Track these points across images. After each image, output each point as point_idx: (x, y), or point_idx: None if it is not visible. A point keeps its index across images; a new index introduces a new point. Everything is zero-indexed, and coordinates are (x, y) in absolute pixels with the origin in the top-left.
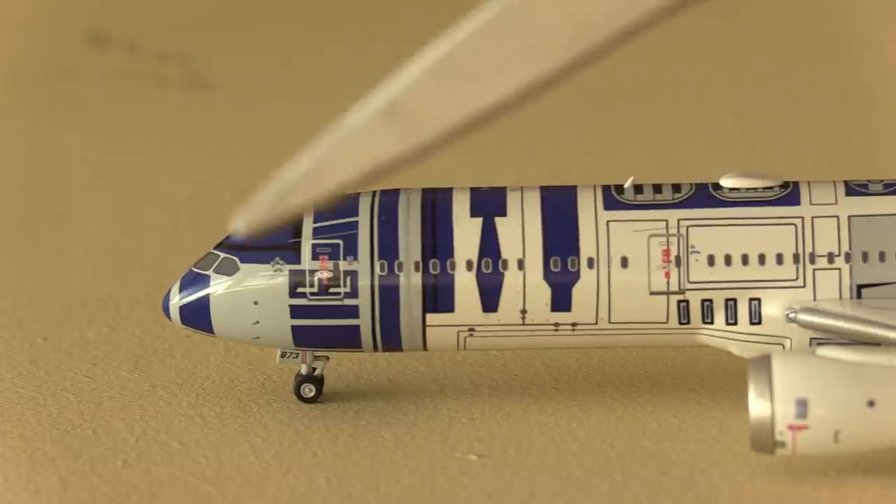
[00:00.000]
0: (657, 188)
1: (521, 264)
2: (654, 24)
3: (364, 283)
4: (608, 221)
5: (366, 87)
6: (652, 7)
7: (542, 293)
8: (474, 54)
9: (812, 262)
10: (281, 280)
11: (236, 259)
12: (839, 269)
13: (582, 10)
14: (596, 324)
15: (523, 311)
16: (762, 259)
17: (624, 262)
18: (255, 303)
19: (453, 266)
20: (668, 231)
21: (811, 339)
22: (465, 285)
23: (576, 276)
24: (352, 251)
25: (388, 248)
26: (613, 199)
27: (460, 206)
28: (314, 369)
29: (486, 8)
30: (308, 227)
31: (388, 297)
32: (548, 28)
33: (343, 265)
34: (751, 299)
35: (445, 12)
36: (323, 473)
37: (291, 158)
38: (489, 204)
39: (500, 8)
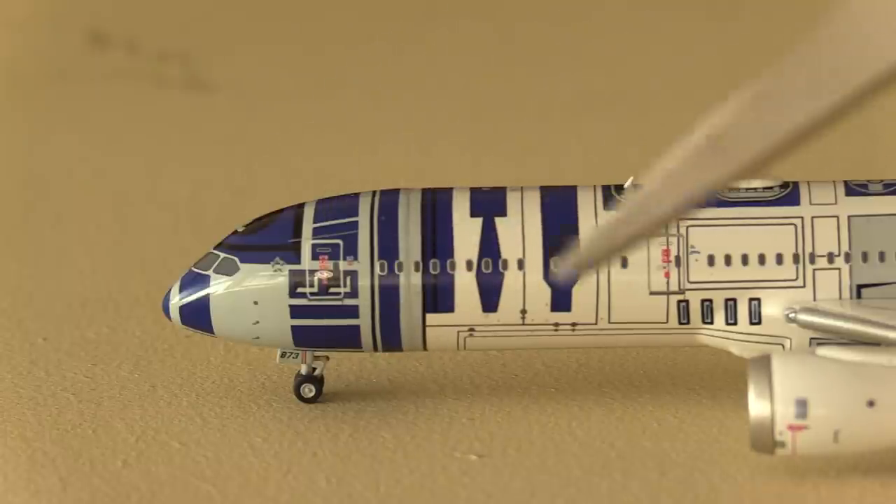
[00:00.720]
0: None
1: (521, 264)
2: None
3: (364, 283)
4: None
5: (366, 87)
6: None
7: (542, 293)
8: (788, 79)
9: (812, 262)
10: (281, 280)
11: (236, 259)
12: (839, 269)
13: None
14: (596, 324)
15: (523, 311)
16: (762, 259)
17: (624, 262)
18: (255, 303)
19: (453, 266)
20: (667, 231)
21: (811, 339)
22: (465, 285)
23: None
24: (352, 251)
25: (388, 248)
26: (613, 199)
27: (460, 206)
28: (314, 369)
29: (809, 35)
30: (308, 227)
31: (388, 297)
32: (855, 50)
33: (343, 265)
34: (751, 299)
35: (445, 12)
36: (323, 473)
37: (627, 194)
38: (489, 204)
39: (823, 30)
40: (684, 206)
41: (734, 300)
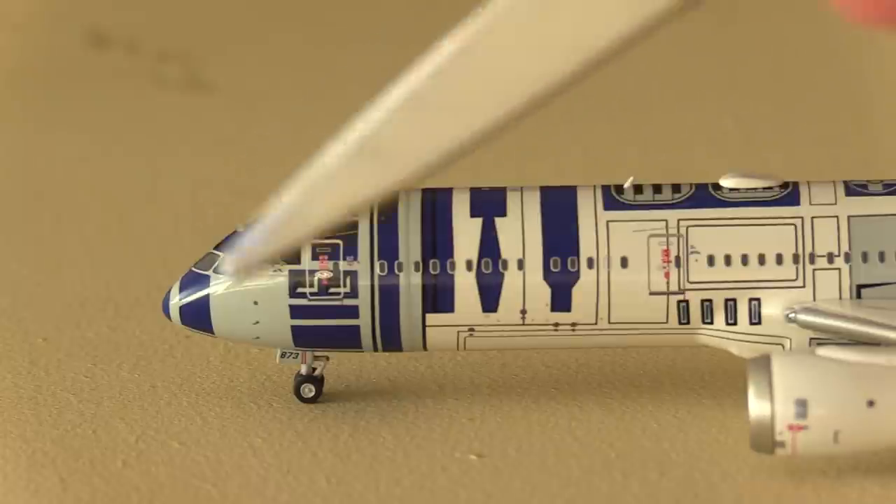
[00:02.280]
0: (657, 188)
1: (520, 264)
2: (638, 40)
3: (364, 283)
4: (608, 221)
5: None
6: (639, 20)
7: (542, 293)
8: (451, 83)
9: (812, 262)
10: (281, 280)
11: None
12: (839, 269)
13: (566, 28)
14: (596, 324)
15: (523, 311)
16: (762, 259)
17: (624, 262)
18: (255, 303)
19: (453, 266)
20: (667, 231)
21: (811, 339)
22: (465, 285)
23: (576, 276)
24: (352, 251)
25: (388, 248)
26: (613, 199)
27: (460, 206)
28: (314, 369)
29: (455, 37)
30: None
31: (388, 297)
32: (529, 50)
33: (343, 265)
34: (750, 299)
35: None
36: (323, 473)
37: (272, 200)
38: (489, 204)
39: (474, 33)
40: (340, 215)
41: (734, 300)
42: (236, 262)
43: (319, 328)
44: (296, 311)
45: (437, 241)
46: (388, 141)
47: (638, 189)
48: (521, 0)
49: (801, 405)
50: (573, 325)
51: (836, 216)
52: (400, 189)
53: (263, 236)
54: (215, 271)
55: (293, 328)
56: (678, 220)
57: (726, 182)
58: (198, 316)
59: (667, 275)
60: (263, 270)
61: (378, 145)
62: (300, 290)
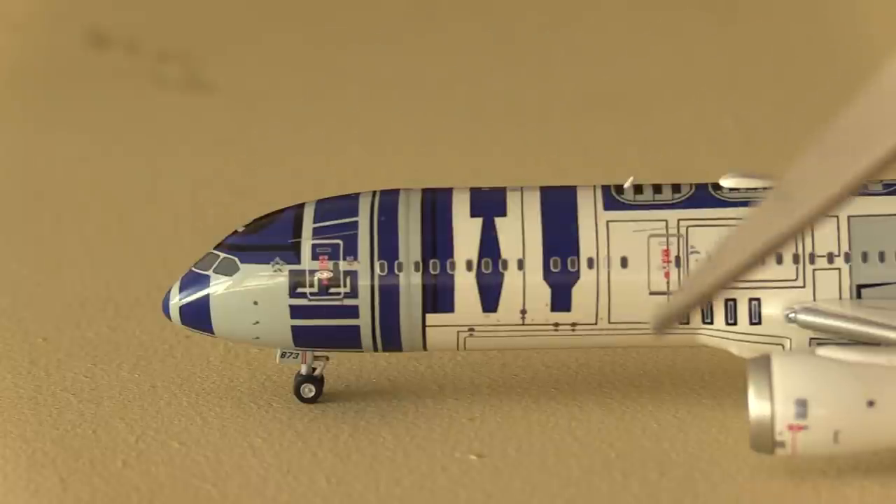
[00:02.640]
0: (657, 188)
1: (520, 264)
2: None
3: (364, 283)
4: (608, 221)
5: (366, 87)
6: None
7: (541, 293)
8: (847, 129)
9: (812, 262)
10: (281, 280)
11: (236, 259)
12: (839, 269)
13: None
14: (596, 324)
15: (523, 311)
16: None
17: (624, 263)
18: (255, 303)
19: (453, 266)
20: (667, 231)
21: (811, 339)
22: (465, 285)
23: (575, 276)
24: (352, 251)
25: (388, 248)
26: (613, 199)
27: (460, 206)
28: (314, 369)
29: (870, 83)
30: (308, 227)
31: (388, 297)
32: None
33: (343, 265)
34: (750, 299)
35: (445, 12)
36: (323, 473)
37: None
38: (489, 204)
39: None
40: (758, 258)
41: (734, 300)
42: (659, 315)
43: (319, 328)
44: (296, 311)
45: (437, 241)
46: (796, 180)
47: (638, 189)
48: None
49: (801, 405)
50: (573, 325)
51: (836, 216)
52: (803, 229)
53: (686, 286)
54: (215, 271)
55: (293, 328)
56: (678, 220)
57: (726, 182)
58: (198, 316)
59: (667, 275)
60: (682, 321)
61: (788, 186)
62: (300, 290)
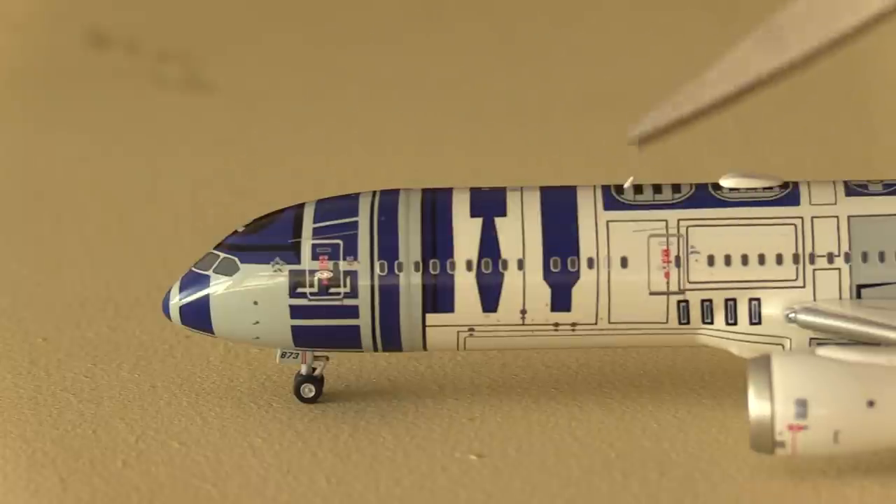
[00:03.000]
0: (657, 188)
1: (520, 264)
2: None
3: (364, 283)
4: (608, 221)
5: (366, 87)
6: None
7: (541, 293)
8: None
9: (812, 262)
10: (281, 280)
11: (236, 259)
12: (839, 269)
13: None
14: (596, 324)
15: (523, 311)
16: (762, 259)
17: (624, 263)
18: (255, 303)
19: (453, 266)
20: (667, 231)
21: (811, 339)
22: (465, 285)
23: (575, 276)
24: (352, 251)
25: (388, 248)
26: (613, 199)
27: (460, 206)
28: (314, 369)
29: None
30: (308, 227)
31: (388, 297)
32: None
33: (343, 265)
34: (750, 299)
35: (445, 12)
36: (323, 473)
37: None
38: (489, 204)
39: None
40: (743, 89)
41: (734, 300)
42: (641, 129)
43: (319, 328)
44: (296, 311)
45: (437, 241)
46: (786, 24)
47: (638, 189)
48: None
49: (801, 405)
50: (573, 325)
51: (836, 216)
52: (790, 71)
53: (666, 108)
54: (215, 271)
55: (293, 328)
56: (678, 220)
57: (726, 182)
58: (198, 316)
59: (667, 275)
60: (661, 139)
61: (778, 28)
62: (300, 290)
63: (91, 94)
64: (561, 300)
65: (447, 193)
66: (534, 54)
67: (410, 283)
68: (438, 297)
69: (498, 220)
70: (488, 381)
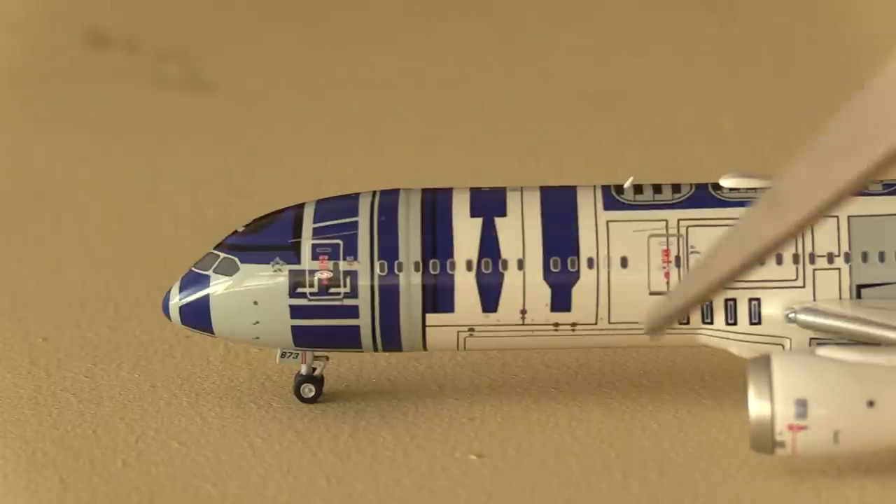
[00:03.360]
0: (657, 188)
1: (520, 264)
2: None
3: (364, 283)
4: (608, 221)
5: (366, 87)
6: None
7: (541, 293)
8: (841, 133)
9: (812, 262)
10: (281, 280)
11: (236, 259)
12: (839, 269)
13: None
14: (596, 324)
15: (523, 311)
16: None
17: (624, 263)
18: (255, 303)
19: (453, 266)
20: (667, 231)
21: (811, 339)
22: (465, 285)
23: (576, 276)
24: (352, 251)
25: (388, 248)
26: (613, 199)
27: (460, 206)
28: (314, 369)
29: (856, 94)
30: (308, 227)
31: (388, 297)
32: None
33: (343, 265)
34: (750, 299)
35: (445, 12)
36: (323, 473)
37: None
38: (489, 204)
39: (866, 91)
40: (750, 262)
41: (734, 300)
42: (652, 318)
43: (319, 328)
44: (296, 311)
45: (437, 241)
46: (787, 187)
47: (638, 189)
48: None
49: (801, 405)
50: (573, 325)
51: (836, 216)
52: (795, 235)
53: (677, 290)
54: (215, 271)
55: (293, 328)
56: (678, 220)
57: (726, 182)
58: (198, 316)
59: (667, 275)
60: (675, 324)
61: (779, 192)
62: (300, 290)
63: (91, 94)
64: (561, 300)
65: (447, 193)
66: (534, 54)
67: (410, 283)
68: (438, 297)
69: (498, 220)
70: (488, 381)
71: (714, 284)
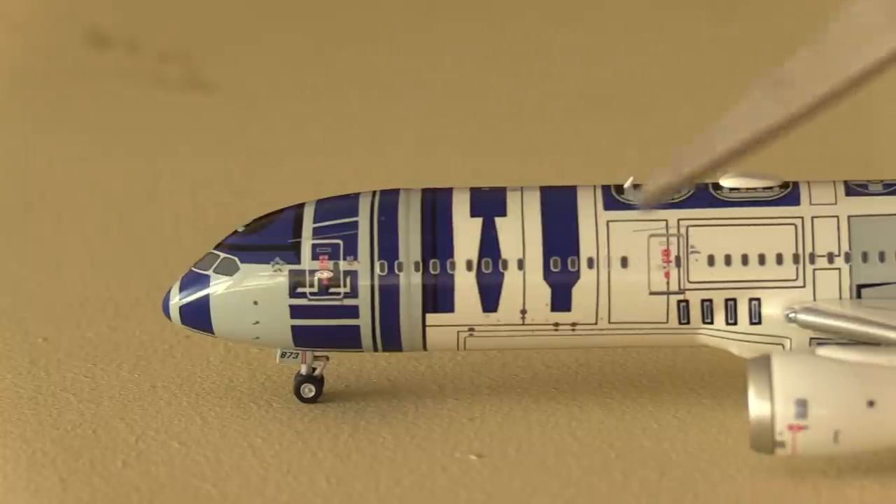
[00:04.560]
0: None
1: (521, 264)
2: None
3: (364, 283)
4: (608, 221)
5: (366, 87)
6: None
7: (542, 293)
8: (848, 25)
9: (812, 262)
10: (281, 280)
11: (236, 259)
12: (839, 269)
13: None
14: (596, 324)
15: (523, 311)
16: (762, 259)
17: (624, 262)
18: (255, 303)
19: (453, 266)
20: (668, 231)
21: (811, 339)
22: (465, 285)
23: (576, 276)
24: (352, 251)
25: (388, 248)
26: (613, 199)
27: (460, 206)
28: (314, 369)
29: None
30: (308, 227)
31: (388, 297)
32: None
33: (343, 265)
34: (751, 299)
35: (445, 12)
36: (323, 473)
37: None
38: (489, 204)
39: None
40: (748, 146)
41: (734, 300)
42: (647, 190)
43: (319, 328)
44: (296, 311)
45: (437, 241)
46: (790, 75)
47: (638, 189)
48: None
49: (801, 405)
50: (573, 325)
51: (836, 216)
52: (795, 123)
53: (674, 166)
54: (215, 271)
55: (293, 328)
56: (678, 220)
57: (726, 182)
58: (198, 316)
59: (667, 275)
60: (670, 197)
61: (782, 80)
62: (300, 289)
63: (91, 94)
64: (561, 300)
65: (447, 193)
66: (534, 54)
67: (410, 283)
68: (438, 297)
69: (498, 220)
70: (488, 381)
71: (712, 162)
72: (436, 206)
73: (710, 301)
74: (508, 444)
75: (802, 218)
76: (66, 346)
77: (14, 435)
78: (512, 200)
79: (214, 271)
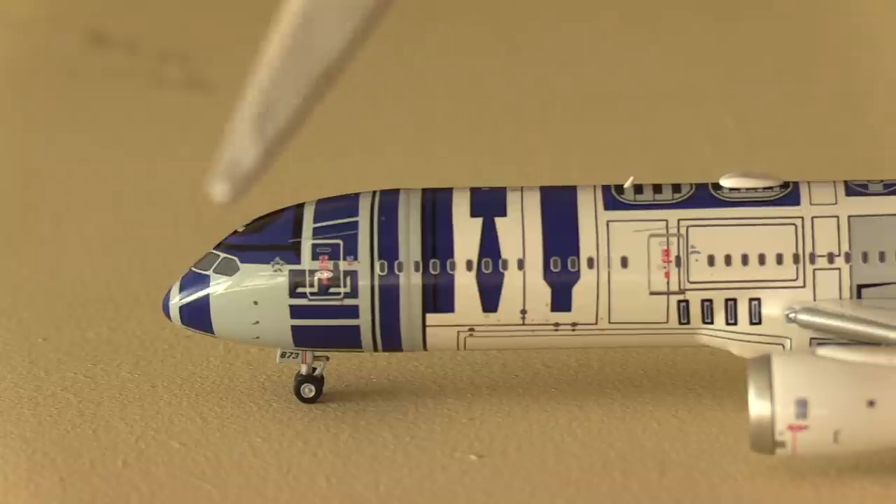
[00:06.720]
0: (657, 188)
1: (521, 264)
2: None
3: (364, 283)
4: (608, 221)
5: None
6: None
7: (542, 293)
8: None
9: (812, 262)
10: (281, 280)
11: (236, 259)
12: (839, 269)
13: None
14: (596, 324)
15: (523, 311)
16: (762, 259)
17: (624, 262)
18: (255, 303)
19: (453, 266)
20: (668, 231)
21: (811, 339)
22: (465, 285)
23: (576, 276)
24: (352, 251)
25: (388, 248)
26: (613, 199)
27: (460, 206)
28: (314, 369)
29: None
30: (308, 227)
31: (388, 297)
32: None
33: (343, 265)
34: (751, 299)
35: (445, 12)
36: (323, 473)
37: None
38: (489, 204)
39: None
40: (322, 83)
41: (734, 300)
42: (224, 180)
43: (319, 328)
44: (296, 311)
45: (438, 241)
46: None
47: (638, 189)
48: None
49: (802, 405)
50: (573, 325)
51: (837, 216)
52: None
53: (241, 143)
54: (215, 271)
55: (293, 328)
56: (678, 220)
57: (726, 182)
58: (198, 316)
59: (667, 275)
60: (252, 183)
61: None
62: (300, 290)
63: (91, 94)
64: (561, 300)
65: (447, 193)
66: (534, 54)
67: (410, 283)
68: (438, 297)
69: (498, 220)
70: (488, 381)
71: (282, 127)
72: (436, 206)
73: (711, 301)
74: (508, 444)
75: (802, 218)
76: (66, 346)
77: (14, 435)
78: (512, 200)
79: (214, 271)
